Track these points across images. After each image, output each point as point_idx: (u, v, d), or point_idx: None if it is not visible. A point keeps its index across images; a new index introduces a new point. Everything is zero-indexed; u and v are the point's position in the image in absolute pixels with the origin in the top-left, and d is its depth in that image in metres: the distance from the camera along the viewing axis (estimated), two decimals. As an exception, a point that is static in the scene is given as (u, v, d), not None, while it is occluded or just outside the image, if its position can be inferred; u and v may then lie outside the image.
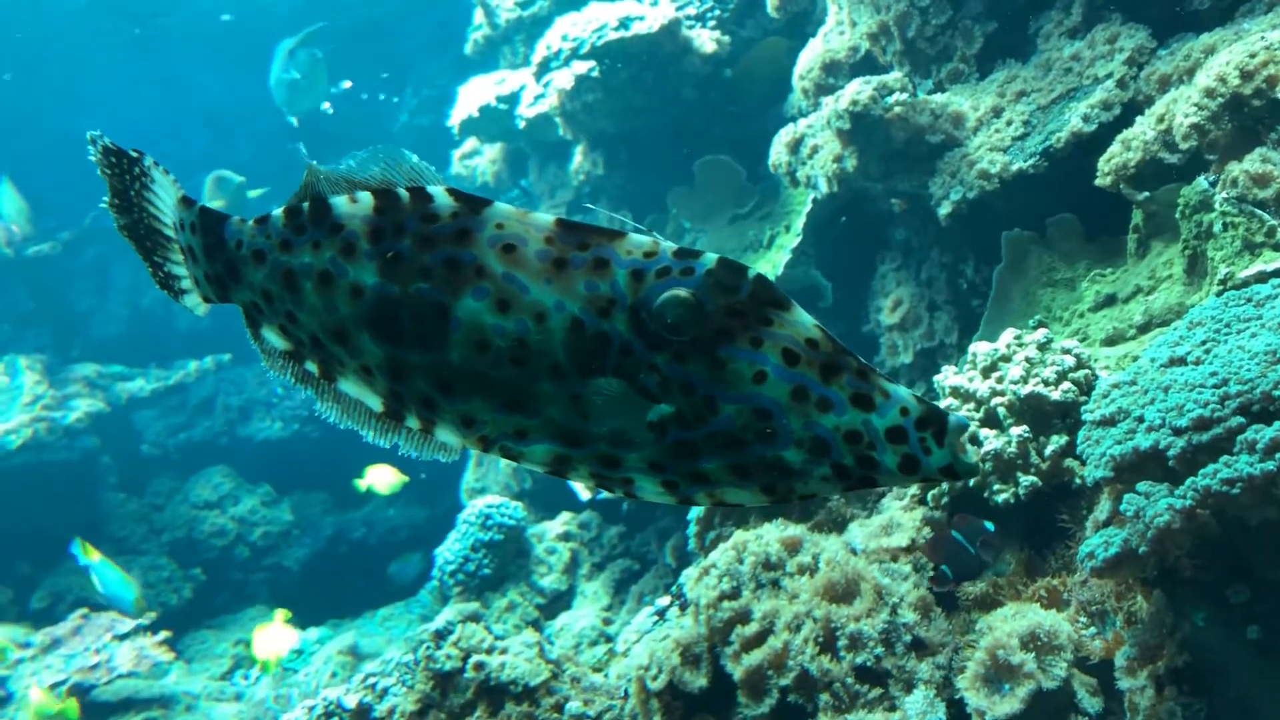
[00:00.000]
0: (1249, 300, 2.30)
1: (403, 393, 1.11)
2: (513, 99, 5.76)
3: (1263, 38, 3.07)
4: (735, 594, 2.51)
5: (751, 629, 2.36)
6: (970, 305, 4.20)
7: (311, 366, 1.16)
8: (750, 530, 2.68)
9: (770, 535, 2.59)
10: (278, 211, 1.15)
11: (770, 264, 4.89)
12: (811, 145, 4.19)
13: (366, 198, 1.11)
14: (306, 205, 1.12)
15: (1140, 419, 2.14)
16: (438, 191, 1.08)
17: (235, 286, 1.18)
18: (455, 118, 5.94)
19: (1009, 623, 2.22)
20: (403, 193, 1.10)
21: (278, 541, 7.18)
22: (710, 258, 1.01)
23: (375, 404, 1.14)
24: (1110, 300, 3.43)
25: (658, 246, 1.03)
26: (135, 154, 1.19)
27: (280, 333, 1.17)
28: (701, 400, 1.00)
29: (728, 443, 1.01)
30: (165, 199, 1.20)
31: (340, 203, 1.11)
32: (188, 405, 7.81)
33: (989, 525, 2.54)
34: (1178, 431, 2.03)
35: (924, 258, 4.39)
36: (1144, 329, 3.20)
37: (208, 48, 10.40)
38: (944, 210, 3.85)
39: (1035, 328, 3.53)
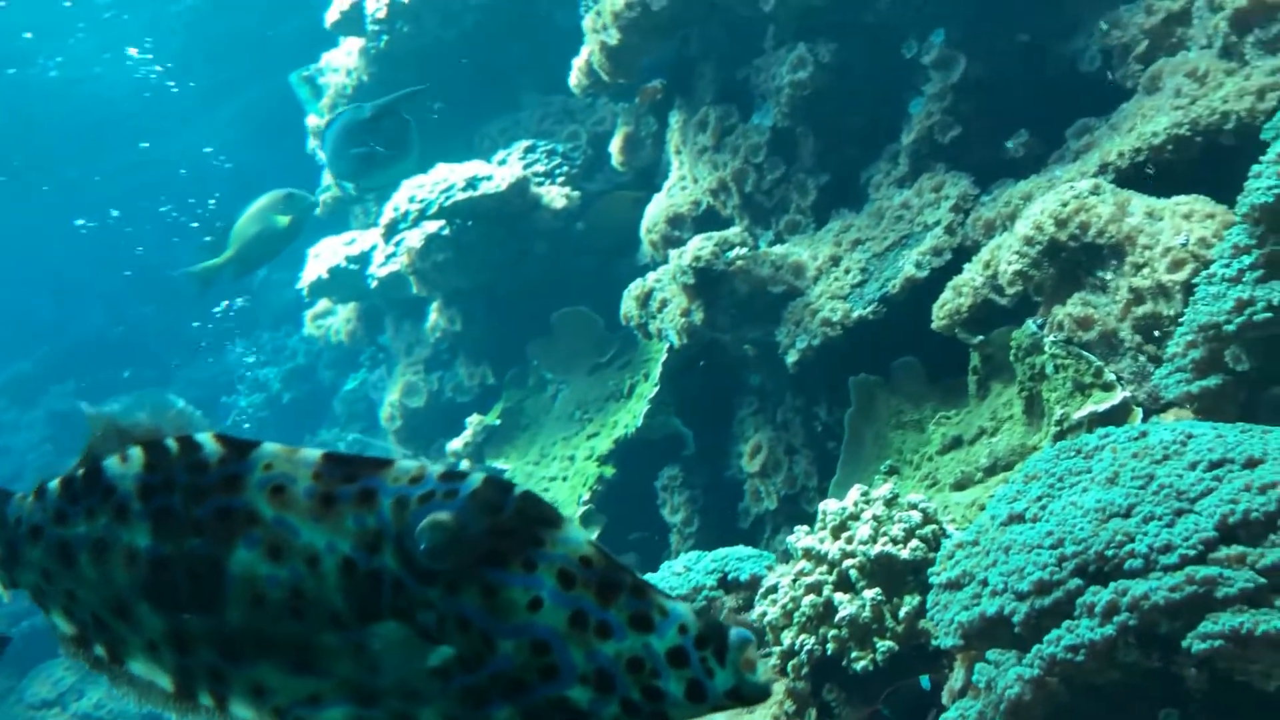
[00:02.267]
0: (1079, 452, 2.33)
1: (191, 666, 1.01)
2: (364, 259, 5.70)
3: (1071, 186, 3.21)
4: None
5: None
6: (826, 447, 4.22)
7: (100, 650, 1.06)
8: None
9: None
10: (54, 482, 1.07)
11: (631, 414, 4.86)
12: (660, 299, 4.21)
13: (137, 454, 1.03)
14: (80, 472, 1.05)
15: (985, 582, 2.12)
16: (204, 439, 1.00)
17: (18, 568, 1.10)
18: (305, 280, 5.84)
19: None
20: (171, 443, 1.01)
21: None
22: (476, 478, 0.93)
23: (166, 684, 1.04)
24: (957, 442, 3.47)
25: (424, 471, 0.95)
26: None
27: (64, 615, 1.08)
28: (479, 637, 0.91)
29: (511, 686, 0.91)
30: None
31: (112, 464, 1.03)
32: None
33: (925, 682, 2.41)
34: (1020, 596, 2.01)
35: (779, 401, 4.41)
36: (990, 471, 3.24)
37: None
38: (791, 359, 3.88)
39: (887, 475, 3.56)
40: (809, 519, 3.42)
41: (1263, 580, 1.80)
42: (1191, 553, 1.88)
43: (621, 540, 4.78)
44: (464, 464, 5.35)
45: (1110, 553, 1.95)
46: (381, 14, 5.61)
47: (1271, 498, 1.88)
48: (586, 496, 4.57)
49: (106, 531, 1.02)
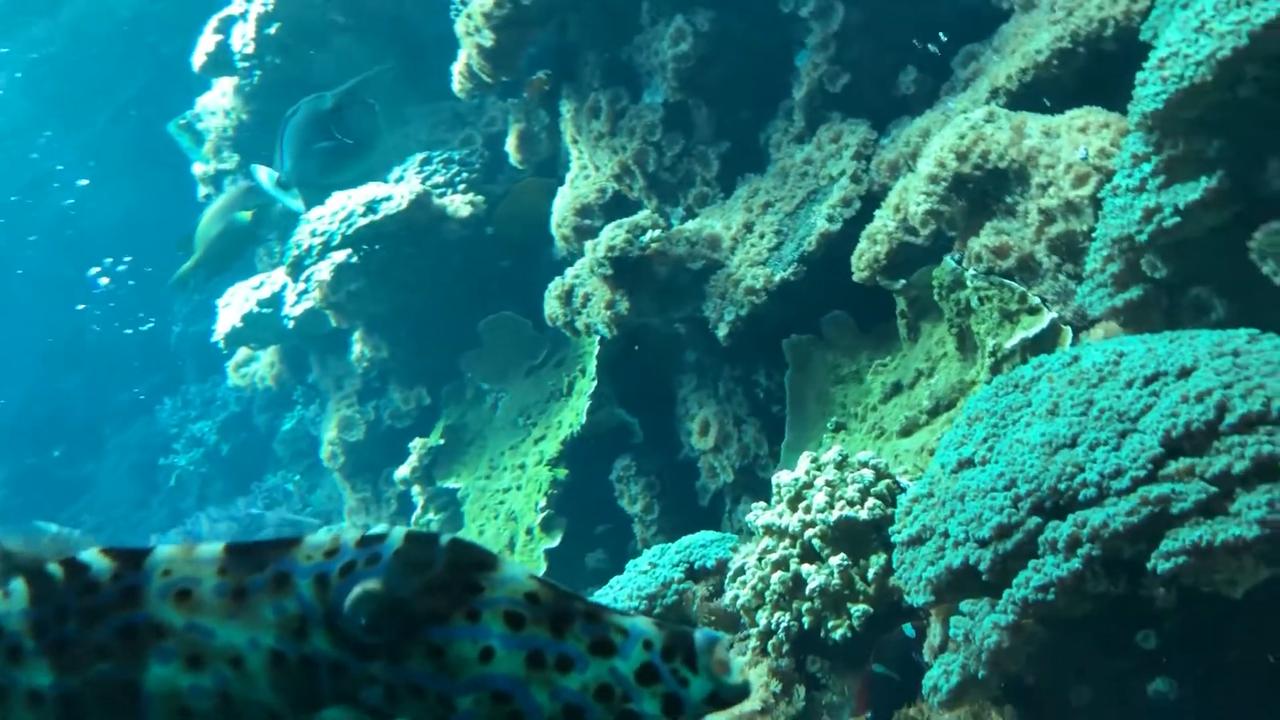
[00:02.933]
0: (1016, 386, 2.33)
1: None
2: (276, 300, 5.56)
3: (966, 117, 3.21)
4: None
5: None
6: (772, 412, 4.20)
7: None
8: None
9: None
10: None
11: (575, 411, 4.80)
12: (583, 295, 4.15)
13: (19, 588, 0.94)
14: None
15: (945, 534, 2.11)
16: (90, 556, 0.92)
17: None
18: (220, 332, 5.68)
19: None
20: (55, 568, 0.94)
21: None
22: (396, 536, 0.87)
23: None
24: (897, 388, 3.47)
25: (338, 541, 0.88)
26: None
27: None
28: (435, 701, 0.85)
29: None
30: None
31: None
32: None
33: (909, 630, 2.41)
34: (982, 543, 2.00)
35: (718, 375, 4.38)
36: (934, 412, 3.24)
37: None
38: (722, 332, 3.86)
39: (834, 432, 3.55)
40: (766, 486, 3.41)
41: (1214, 489, 1.81)
42: (1142, 473, 1.88)
43: (589, 537, 4.74)
44: (414, 490, 5.26)
45: (1063, 486, 1.95)
46: (249, 49, 5.45)
47: (1209, 405, 1.88)
48: (543, 503, 4.51)
49: (3, 678, 0.94)
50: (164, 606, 0.88)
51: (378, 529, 0.90)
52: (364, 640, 0.85)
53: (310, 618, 0.86)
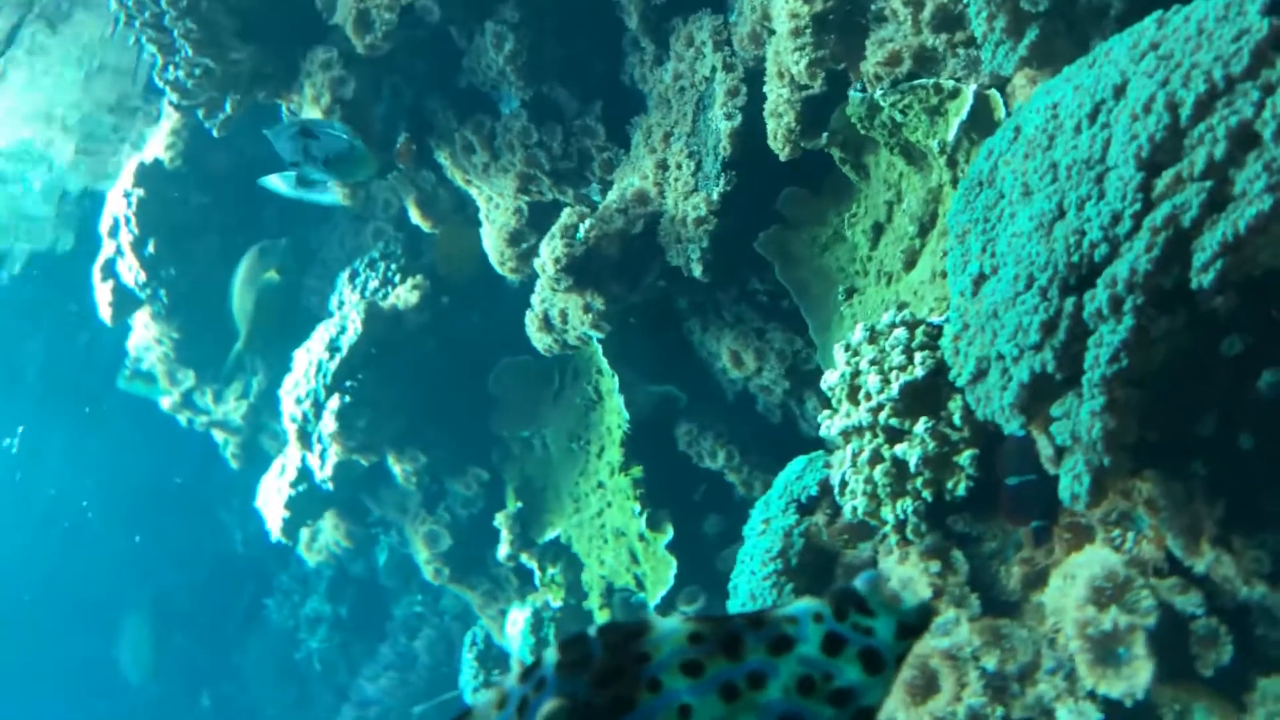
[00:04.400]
0: (981, 184, 2.29)
1: None
2: (305, 474, 5.57)
3: (792, -41, 3.13)
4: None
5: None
6: (784, 309, 4.17)
7: None
8: None
9: None
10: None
11: (614, 411, 4.80)
12: (559, 313, 4.13)
13: None
14: None
15: (1000, 356, 2.09)
16: None
17: None
18: (275, 531, 5.71)
19: (1069, 594, 2.13)
20: None
21: None
22: (549, 654, 0.86)
23: None
24: (879, 229, 3.43)
25: (502, 690, 0.88)
26: None
27: None
28: None
29: None
30: None
31: None
32: None
33: (1019, 431, 2.38)
34: (1037, 348, 1.99)
35: (718, 306, 4.35)
36: (923, 233, 3.20)
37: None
38: (697, 271, 3.82)
39: (847, 298, 3.53)
40: (818, 375, 3.40)
41: (1209, 183, 1.77)
42: (1137, 206, 1.85)
43: (694, 508, 4.74)
44: (523, 558, 5.28)
45: (1076, 258, 1.92)
46: (142, 277, 5.41)
47: (1159, 109, 1.84)
48: (638, 507, 4.53)
49: None
50: None
51: (531, 661, 0.89)
52: None
53: None
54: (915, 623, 0.84)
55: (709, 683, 0.83)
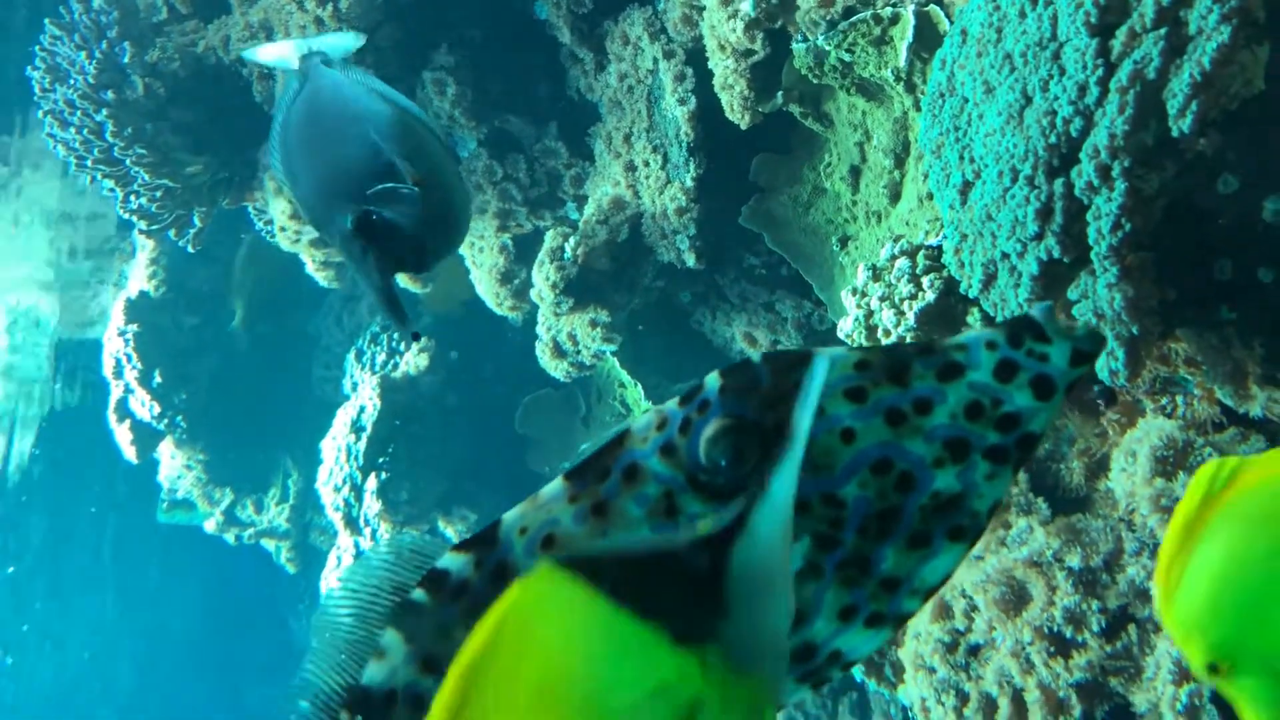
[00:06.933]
0: (941, 95, 2.28)
1: None
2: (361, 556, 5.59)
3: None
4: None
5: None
6: (783, 275, 4.17)
7: None
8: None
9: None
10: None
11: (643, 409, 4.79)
12: (568, 336, 4.13)
13: (391, 639, 0.84)
14: None
15: (1005, 255, 2.08)
16: (445, 560, 0.85)
17: None
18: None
19: (1134, 473, 2.10)
20: (419, 594, 0.84)
21: None
22: (712, 378, 0.84)
23: None
24: (856, 172, 3.42)
25: (663, 413, 0.85)
26: None
27: None
28: (821, 503, 0.81)
29: (881, 524, 0.82)
30: None
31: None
32: None
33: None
34: (1038, 236, 1.97)
35: (720, 290, 4.35)
36: (899, 163, 3.19)
37: None
38: (691, 261, 3.82)
39: (842, 247, 3.51)
40: (834, 332, 3.38)
41: (1164, 30, 1.76)
42: (1100, 72, 1.83)
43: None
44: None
45: (1054, 139, 1.90)
46: (157, 409, 5.46)
47: (1098, -29, 1.83)
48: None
49: None
50: (531, 563, 0.84)
51: (690, 384, 0.87)
52: (733, 481, 0.81)
53: (675, 490, 0.82)
54: (1090, 349, 0.82)
55: (873, 408, 0.81)
